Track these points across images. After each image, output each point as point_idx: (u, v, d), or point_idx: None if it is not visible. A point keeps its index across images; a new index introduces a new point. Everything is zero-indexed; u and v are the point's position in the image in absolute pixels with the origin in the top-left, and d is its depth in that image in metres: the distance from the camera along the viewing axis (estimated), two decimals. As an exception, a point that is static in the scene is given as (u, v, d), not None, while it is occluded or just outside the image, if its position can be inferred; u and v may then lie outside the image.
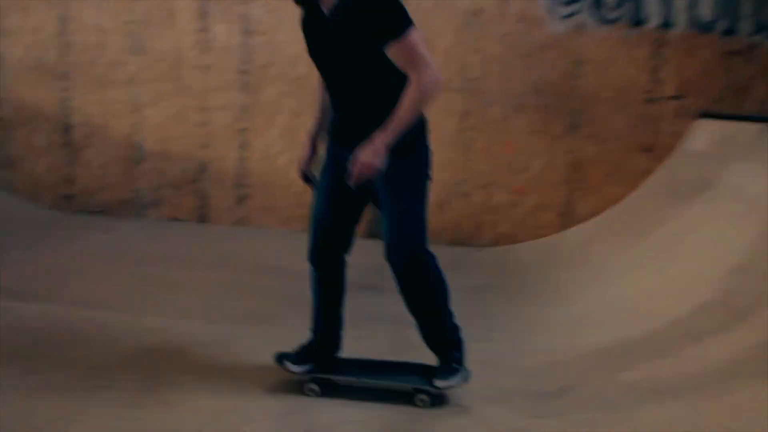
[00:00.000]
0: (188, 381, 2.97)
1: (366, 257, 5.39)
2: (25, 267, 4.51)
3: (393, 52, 2.54)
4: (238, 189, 6.07)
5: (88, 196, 6.23)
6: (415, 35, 2.54)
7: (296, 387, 2.95)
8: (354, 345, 3.48)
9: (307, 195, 5.94)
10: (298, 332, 3.35)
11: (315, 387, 2.96)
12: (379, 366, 3.10)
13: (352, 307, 4.13)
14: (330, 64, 2.71)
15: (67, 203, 6.24)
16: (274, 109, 5.95)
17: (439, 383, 2.85)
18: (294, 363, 2.99)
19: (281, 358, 3.01)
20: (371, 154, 2.54)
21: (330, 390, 2.97)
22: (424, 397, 2.89)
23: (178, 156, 6.08)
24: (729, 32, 5.45)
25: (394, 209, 2.73)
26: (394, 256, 2.76)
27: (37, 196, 6.25)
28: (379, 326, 3.81)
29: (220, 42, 5.96)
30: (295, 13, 2.82)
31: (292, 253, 5.27)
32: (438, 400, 2.92)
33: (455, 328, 2.93)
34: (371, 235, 5.89)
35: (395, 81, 2.57)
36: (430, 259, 2.83)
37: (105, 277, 4.46)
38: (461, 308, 4.20)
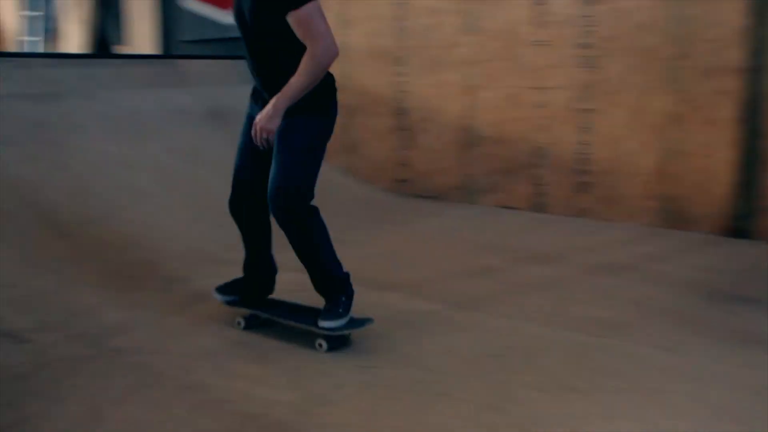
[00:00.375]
0: (539, 401, 2.55)
1: (736, 260, 4.53)
2: (364, 249, 4.52)
3: (292, 22, 2.71)
4: (578, 176, 5.51)
5: (422, 181, 6.21)
6: (313, 8, 2.69)
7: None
8: (736, 373, 2.78)
9: (657, 186, 5.29)
10: (664, 349, 2.75)
11: (241, 320, 3.24)
12: (295, 308, 3.23)
13: (720, 321, 3.41)
14: (247, 30, 2.89)
15: (402, 187, 6.29)
16: (619, 87, 5.29)
17: (322, 323, 2.94)
18: (219, 292, 3.27)
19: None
20: (266, 118, 2.81)
21: (254, 325, 3.21)
22: (321, 341, 2.98)
23: (513, 140, 5.74)
24: None
25: (280, 163, 2.87)
26: (274, 208, 2.89)
27: (375, 179, 6.39)
28: (760, 352, 2.99)
29: (557, 14, 5.47)
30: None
31: (642, 251, 4.65)
32: (335, 344, 2.98)
33: (340, 278, 3.05)
34: (738, 234, 4.97)
35: (301, 49, 2.75)
36: (310, 214, 2.95)
37: (438, 265, 4.27)
38: None
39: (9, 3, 9.88)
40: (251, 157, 3.05)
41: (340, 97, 3.01)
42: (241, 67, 7.37)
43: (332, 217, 5.32)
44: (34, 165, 4.66)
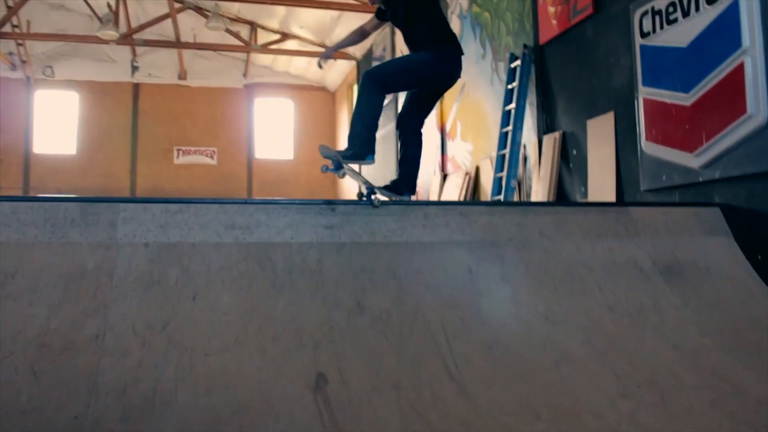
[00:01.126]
0: None
1: None
2: None
3: None
4: None
5: None
6: None
7: None
8: None
9: None
10: None
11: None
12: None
13: None
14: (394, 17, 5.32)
15: None
16: None
17: (340, 151, 4.95)
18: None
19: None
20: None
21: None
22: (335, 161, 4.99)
23: None
24: None
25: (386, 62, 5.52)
26: (362, 77, 4.97)
27: None
28: None
29: None
30: None
31: None
32: (336, 165, 4.98)
33: (359, 145, 4.83)
34: None
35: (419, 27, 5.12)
36: (373, 92, 4.84)
37: None
38: None
39: (488, 166, 10.64)
40: (411, 100, 5.18)
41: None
42: (705, 215, 6.23)
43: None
44: (455, 312, 4.38)
